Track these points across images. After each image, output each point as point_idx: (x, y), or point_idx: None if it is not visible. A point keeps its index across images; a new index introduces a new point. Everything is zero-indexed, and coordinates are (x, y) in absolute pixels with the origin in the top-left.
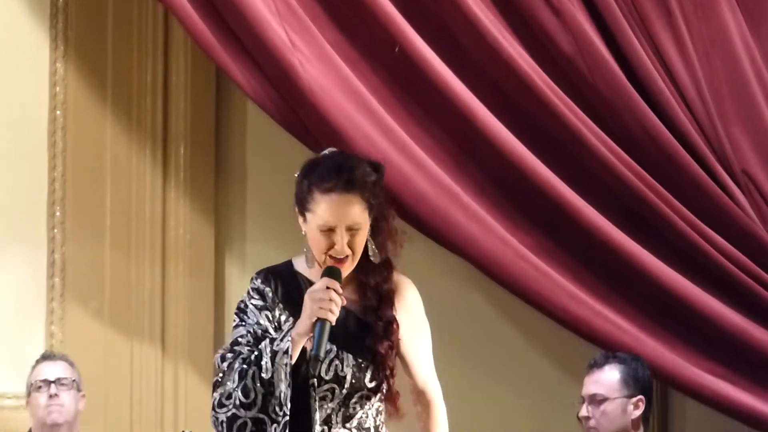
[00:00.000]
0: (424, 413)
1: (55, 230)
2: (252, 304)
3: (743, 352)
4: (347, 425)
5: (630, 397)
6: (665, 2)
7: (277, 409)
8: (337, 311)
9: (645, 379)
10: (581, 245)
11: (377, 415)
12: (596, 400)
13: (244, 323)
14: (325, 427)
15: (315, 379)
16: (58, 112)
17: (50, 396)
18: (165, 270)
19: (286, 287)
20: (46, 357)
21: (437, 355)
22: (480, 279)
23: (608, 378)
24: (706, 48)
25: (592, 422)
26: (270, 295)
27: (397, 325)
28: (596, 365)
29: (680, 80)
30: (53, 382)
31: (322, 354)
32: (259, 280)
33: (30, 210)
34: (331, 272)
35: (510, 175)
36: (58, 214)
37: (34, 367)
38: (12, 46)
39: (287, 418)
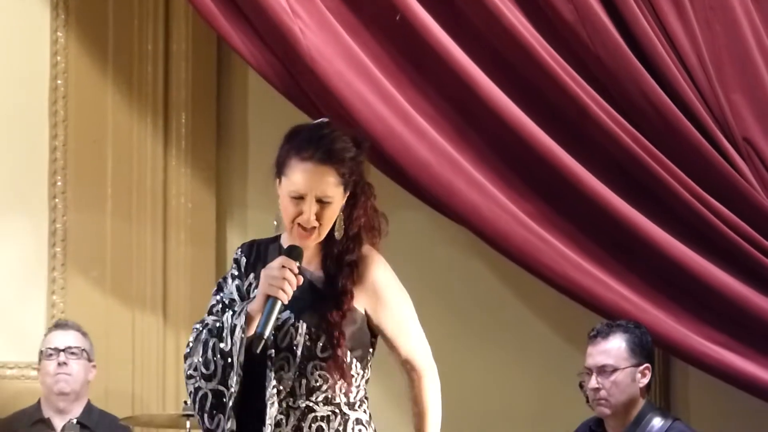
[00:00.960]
0: (411, 384)
1: (56, 199)
2: (231, 274)
3: (745, 320)
4: (312, 398)
5: (638, 365)
6: None
7: (237, 379)
8: (290, 291)
9: (649, 346)
10: (583, 213)
11: (350, 392)
12: (606, 371)
13: (221, 292)
14: (290, 399)
15: (273, 350)
16: (59, 81)
17: (59, 364)
18: (166, 238)
19: (260, 256)
20: (59, 325)
21: (440, 324)
22: (482, 247)
23: (615, 347)
24: (707, 14)
25: (602, 393)
26: (243, 263)
27: (352, 296)
28: (600, 335)
29: (681, 47)
30: (63, 350)
31: (266, 333)
32: (240, 250)
33: (31, 179)
34: (291, 251)
35: (512, 143)
36: (59, 183)
37: (46, 334)
38: (12, 15)
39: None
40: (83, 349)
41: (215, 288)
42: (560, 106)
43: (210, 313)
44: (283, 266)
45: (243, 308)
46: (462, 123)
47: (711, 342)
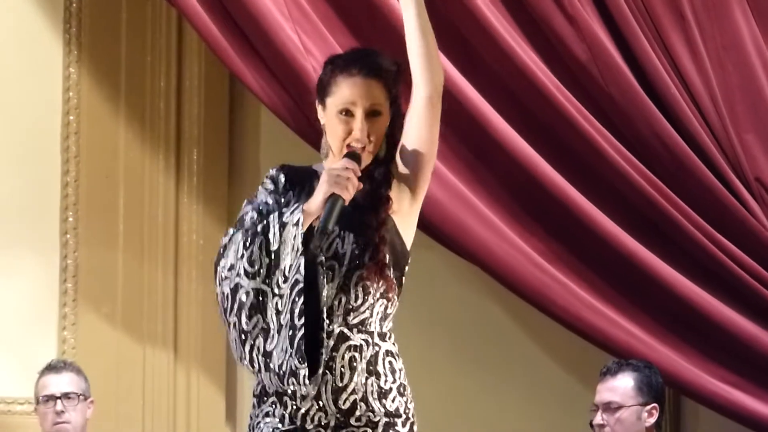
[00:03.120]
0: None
1: (68, 235)
2: (263, 188)
3: (756, 360)
4: (348, 319)
5: (644, 404)
6: (678, 8)
7: (281, 281)
8: (352, 191)
9: (658, 386)
10: (594, 253)
11: (384, 319)
12: (611, 408)
13: (249, 204)
14: (327, 321)
15: (323, 257)
16: (71, 117)
17: (56, 413)
18: (178, 275)
19: (299, 178)
20: (53, 368)
21: (451, 362)
22: (493, 286)
23: (622, 385)
24: (719, 54)
25: (606, 430)
26: (282, 180)
27: (390, 200)
28: (609, 372)
29: (693, 87)
30: (59, 398)
31: (330, 227)
32: (275, 170)
33: (43, 215)
34: (352, 156)
35: (524, 181)
36: (70, 219)
37: (40, 376)
38: (25, 51)
39: (301, 285)
40: (80, 394)
41: (245, 204)
42: (572, 144)
43: (241, 221)
44: (347, 168)
45: (297, 207)
46: (474, 161)
47: (722, 381)
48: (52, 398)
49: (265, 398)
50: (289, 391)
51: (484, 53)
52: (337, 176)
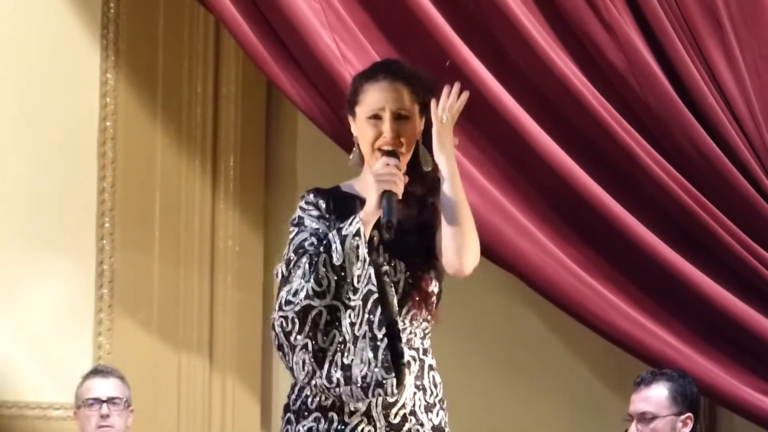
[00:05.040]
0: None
1: (104, 241)
2: (307, 215)
3: None
4: None
5: (679, 414)
6: (716, 17)
7: (351, 294)
8: (401, 184)
9: (693, 396)
10: (631, 261)
11: (424, 338)
12: (646, 418)
13: (303, 230)
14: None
15: (387, 267)
16: (108, 123)
17: (101, 416)
18: (213, 281)
19: (336, 202)
20: (99, 372)
21: (486, 370)
22: (530, 294)
23: (657, 395)
24: (757, 63)
25: None
26: (323, 206)
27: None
28: (644, 382)
29: (730, 96)
30: (105, 402)
31: (395, 219)
32: (311, 195)
33: (79, 220)
34: (389, 153)
35: (560, 190)
36: (107, 224)
37: (85, 379)
38: (62, 57)
39: (375, 295)
40: (125, 400)
41: (293, 227)
42: (608, 152)
43: (301, 248)
44: (388, 164)
45: (353, 219)
46: (510, 169)
47: (757, 391)
48: (97, 402)
49: (306, 414)
50: (345, 408)
51: (521, 61)
52: (383, 174)
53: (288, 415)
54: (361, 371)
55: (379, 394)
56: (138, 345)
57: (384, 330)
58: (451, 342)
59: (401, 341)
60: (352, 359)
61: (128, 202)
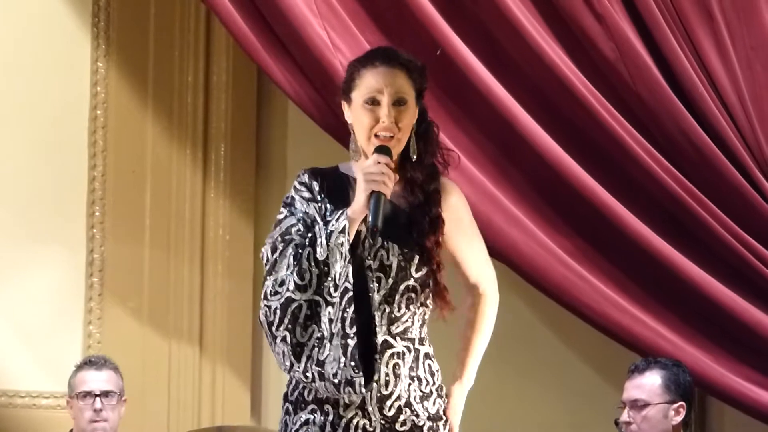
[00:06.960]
0: (473, 307)
1: (94, 230)
2: (299, 196)
3: None
4: (392, 328)
5: (671, 402)
6: (707, 8)
7: (332, 290)
8: (390, 184)
9: (686, 385)
10: (622, 251)
11: (422, 325)
12: (637, 406)
13: (292, 214)
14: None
15: (371, 262)
16: (98, 112)
17: (95, 410)
18: (204, 270)
19: (331, 183)
20: (93, 363)
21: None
22: (521, 284)
23: (649, 383)
24: (748, 54)
25: (633, 427)
26: (316, 188)
27: (443, 221)
28: (637, 370)
29: (721, 86)
30: (99, 395)
31: (379, 224)
32: (306, 176)
33: (69, 209)
34: (381, 149)
35: (551, 180)
36: (97, 213)
37: (78, 369)
38: (53, 45)
39: (350, 293)
40: (118, 393)
41: (284, 208)
42: (599, 142)
43: (287, 234)
44: (379, 162)
45: (341, 214)
46: (502, 159)
47: (748, 381)
48: (90, 395)
49: (303, 405)
50: (341, 401)
51: (512, 51)
52: (371, 173)
53: (286, 405)
54: (332, 368)
55: (349, 393)
56: (128, 334)
57: (354, 329)
58: (443, 332)
59: (377, 336)
60: (327, 355)
61: (119, 191)
